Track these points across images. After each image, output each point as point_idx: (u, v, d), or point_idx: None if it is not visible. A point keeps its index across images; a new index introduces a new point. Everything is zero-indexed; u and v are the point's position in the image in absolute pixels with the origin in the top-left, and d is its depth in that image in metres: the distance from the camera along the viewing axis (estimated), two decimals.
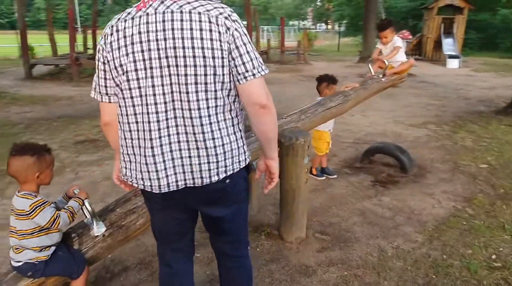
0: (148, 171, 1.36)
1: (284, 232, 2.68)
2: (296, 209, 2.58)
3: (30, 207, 1.59)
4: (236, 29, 1.30)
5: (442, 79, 11.07)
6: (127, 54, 1.29)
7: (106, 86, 1.40)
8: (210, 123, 1.33)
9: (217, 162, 1.36)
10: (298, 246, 2.63)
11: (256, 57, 1.33)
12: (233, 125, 1.40)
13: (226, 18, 1.29)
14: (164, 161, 1.35)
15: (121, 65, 1.30)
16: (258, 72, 1.33)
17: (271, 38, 20.34)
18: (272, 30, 28.89)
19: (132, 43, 1.28)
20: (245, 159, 1.46)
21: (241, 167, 1.45)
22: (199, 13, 1.26)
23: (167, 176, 1.36)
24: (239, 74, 1.32)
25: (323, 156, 3.80)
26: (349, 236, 2.76)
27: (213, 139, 1.34)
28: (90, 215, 1.79)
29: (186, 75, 1.27)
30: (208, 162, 1.35)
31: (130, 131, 1.37)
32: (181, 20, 1.26)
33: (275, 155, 1.54)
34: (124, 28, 1.30)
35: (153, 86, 1.29)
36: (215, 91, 1.31)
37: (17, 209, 1.62)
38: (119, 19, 1.33)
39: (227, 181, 1.42)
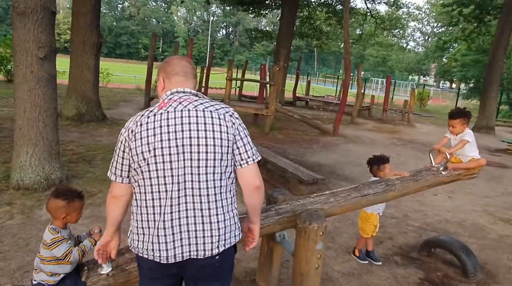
0: (159, 243, 1.57)
1: None
2: None
3: (51, 241, 1.96)
4: (239, 124, 1.66)
5: None
6: (148, 143, 1.55)
7: (121, 170, 1.64)
8: (216, 201, 1.60)
9: (219, 236, 1.60)
10: None
11: (253, 147, 1.69)
12: (231, 204, 1.68)
13: (230, 115, 1.65)
14: (173, 234, 1.57)
15: (142, 152, 1.55)
16: (256, 158, 1.68)
17: (379, 92, 19.66)
18: (385, 84, 28.09)
19: (154, 135, 1.55)
20: (239, 234, 1.71)
21: (235, 241, 1.68)
22: (211, 111, 1.62)
23: (174, 248, 1.57)
24: (242, 159, 1.65)
25: (369, 239, 3.55)
26: None
27: (217, 215, 1.60)
28: None
29: (198, 159, 1.56)
30: (211, 236, 1.59)
31: (147, 206, 1.59)
32: (196, 117, 1.59)
33: (258, 220, 1.87)
34: (147, 123, 1.57)
35: (171, 169, 1.55)
36: (220, 173, 1.60)
37: (44, 239, 2.00)
38: (142, 115, 1.60)
39: (217, 257, 1.62)
